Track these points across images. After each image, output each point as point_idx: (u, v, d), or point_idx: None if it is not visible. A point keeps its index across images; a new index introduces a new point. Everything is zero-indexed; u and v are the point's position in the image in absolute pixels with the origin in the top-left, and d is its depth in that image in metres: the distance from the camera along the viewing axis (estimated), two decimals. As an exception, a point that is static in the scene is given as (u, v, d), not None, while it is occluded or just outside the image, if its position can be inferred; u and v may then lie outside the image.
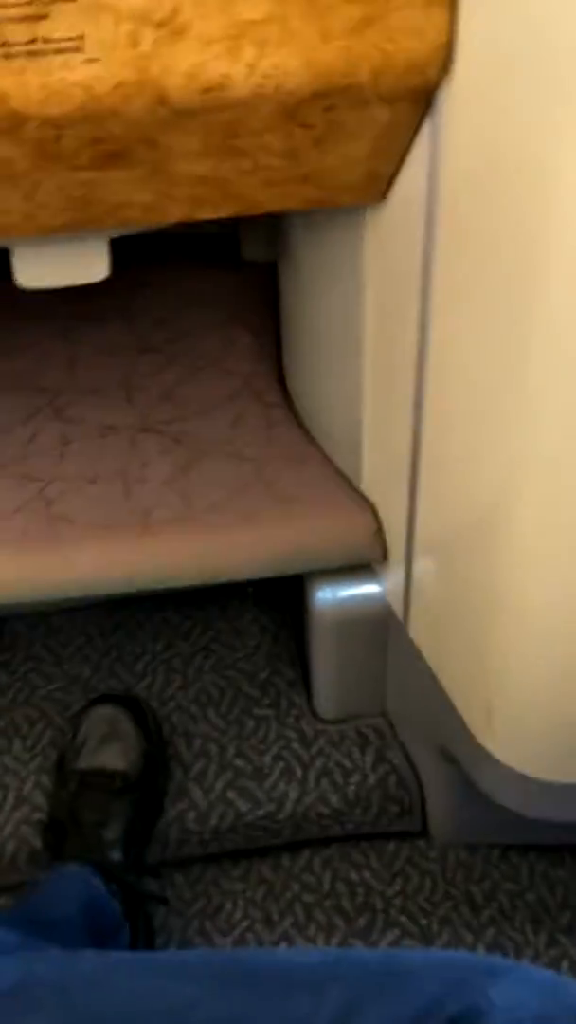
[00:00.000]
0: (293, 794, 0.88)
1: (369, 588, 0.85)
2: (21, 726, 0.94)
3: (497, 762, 0.71)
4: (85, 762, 0.86)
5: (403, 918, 0.86)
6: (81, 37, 0.50)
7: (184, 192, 0.61)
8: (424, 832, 0.90)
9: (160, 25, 0.50)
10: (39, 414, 0.93)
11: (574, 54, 0.45)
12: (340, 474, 0.86)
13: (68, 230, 0.63)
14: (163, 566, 0.81)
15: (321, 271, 0.80)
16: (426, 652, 0.79)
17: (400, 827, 0.90)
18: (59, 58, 0.51)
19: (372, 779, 0.89)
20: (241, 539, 0.81)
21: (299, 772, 0.90)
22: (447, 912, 0.86)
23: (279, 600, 1.02)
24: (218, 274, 1.09)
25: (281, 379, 0.96)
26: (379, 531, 0.82)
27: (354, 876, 0.88)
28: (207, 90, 0.52)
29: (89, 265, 0.69)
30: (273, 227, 0.95)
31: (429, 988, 0.47)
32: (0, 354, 1.00)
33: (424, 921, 0.85)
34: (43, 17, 0.49)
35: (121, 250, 0.71)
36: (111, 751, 0.86)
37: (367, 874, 0.88)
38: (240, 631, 1.01)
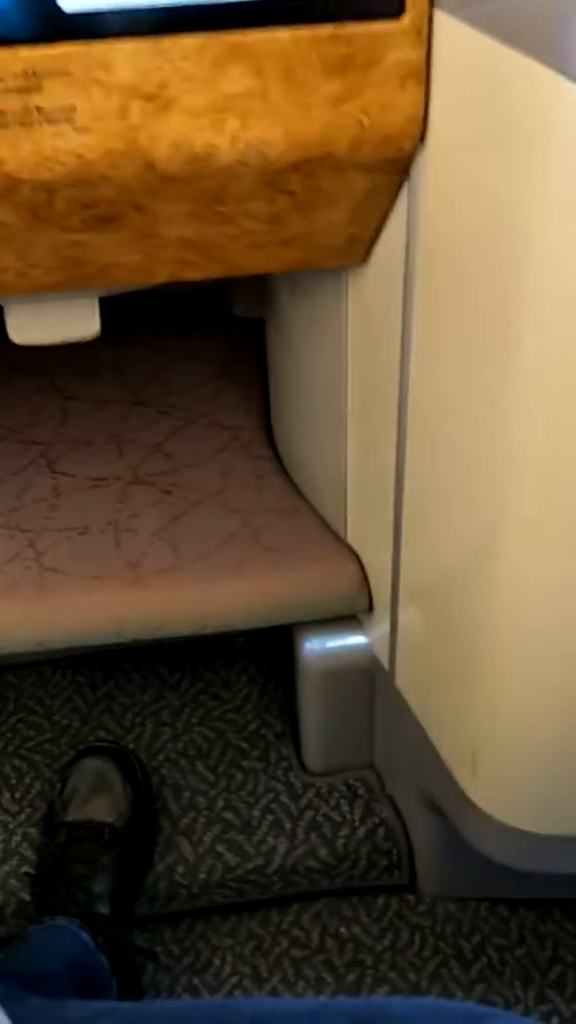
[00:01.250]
0: (282, 848, 0.88)
1: (356, 639, 0.86)
2: (10, 777, 0.94)
3: (482, 813, 0.71)
4: (73, 815, 0.85)
5: (392, 974, 0.85)
6: (73, 108, 0.53)
7: (171, 255, 0.63)
8: (413, 886, 0.90)
9: (148, 99, 0.53)
10: (31, 466, 0.94)
11: (534, 126, 0.48)
12: (326, 525, 0.87)
13: (60, 288, 0.65)
14: (152, 616, 0.82)
15: (305, 328, 0.82)
16: (412, 703, 0.79)
17: (389, 881, 0.89)
18: (51, 127, 0.53)
19: (361, 832, 0.89)
20: (229, 590, 0.82)
21: (288, 825, 0.89)
22: (436, 967, 0.85)
23: (268, 652, 1.03)
24: (208, 330, 1.12)
25: (269, 432, 0.98)
26: (364, 582, 0.83)
27: (343, 931, 0.87)
28: (193, 159, 0.55)
29: (80, 322, 0.71)
30: (262, 285, 0.98)
31: None
32: (-6, 408, 1.02)
33: (413, 977, 0.85)
34: (37, 89, 0.52)
35: (114, 306, 0.73)
36: (99, 804, 0.86)
37: (356, 929, 0.88)
38: (229, 683, 1.02)
